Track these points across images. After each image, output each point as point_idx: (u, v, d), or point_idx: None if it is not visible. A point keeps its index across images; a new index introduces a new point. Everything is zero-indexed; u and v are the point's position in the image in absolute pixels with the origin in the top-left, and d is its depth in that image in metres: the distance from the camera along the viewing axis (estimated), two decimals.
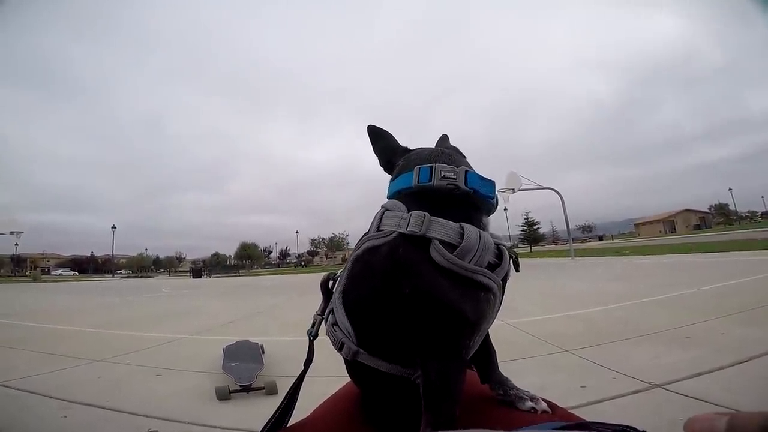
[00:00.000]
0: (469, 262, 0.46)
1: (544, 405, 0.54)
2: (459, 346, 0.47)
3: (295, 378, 0.65)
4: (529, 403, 0.54)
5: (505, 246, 0.51)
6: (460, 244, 0.46)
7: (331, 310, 0.56)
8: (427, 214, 0.47)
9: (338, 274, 0.59)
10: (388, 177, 0.61)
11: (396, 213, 0.50)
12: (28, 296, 13.11)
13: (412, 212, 0.48)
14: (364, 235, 0.54)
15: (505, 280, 0.51)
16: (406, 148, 0.63)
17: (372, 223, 0.54)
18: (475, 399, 0.59)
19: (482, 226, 0.51)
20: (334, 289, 0.59)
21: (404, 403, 0.53)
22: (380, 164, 0.65)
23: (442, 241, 0.46)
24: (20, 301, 10.72)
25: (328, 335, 0.56)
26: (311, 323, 0.63)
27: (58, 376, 2.76)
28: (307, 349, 0.64)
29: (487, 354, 0.60)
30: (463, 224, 0.47)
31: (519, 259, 0.56)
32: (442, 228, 0.46)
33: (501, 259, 0.50)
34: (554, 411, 0.55)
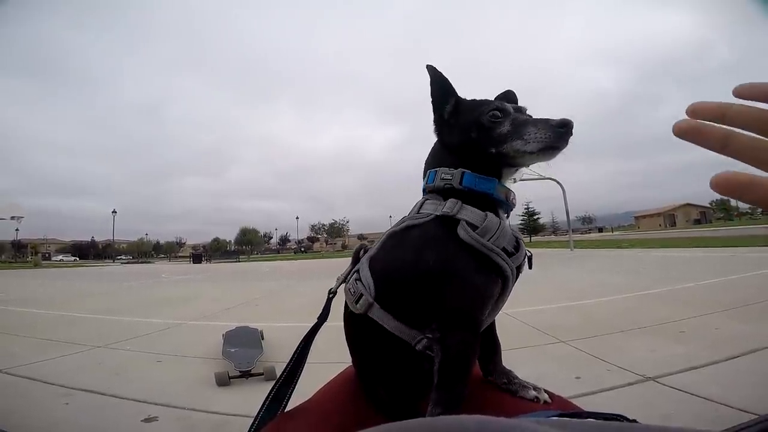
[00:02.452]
0: (488, 241, 0.53)
1: (545, 395, 0.59)
2: (473, 316, 0.52)
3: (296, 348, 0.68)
4: (533, 392, 0.59)
5: (522, 240, 0.59)
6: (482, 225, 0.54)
7: (357, 271, 0.61)
8: (460, 201, 0.55)
9: (370, 247, 0.65)
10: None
11: (434, 201, 0.58)
12: (29, 283, 13.19)
13: (449, 199, 0.56)
14: (404, 217, 0.61)
15: (518, 271, 0.57)
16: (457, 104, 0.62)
17: (413, 208, 0.61)
18: (478, 387, 0.63)
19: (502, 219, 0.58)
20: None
21: (400, 378, 0.59)
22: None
23: (468, 223, 0.54)
24: (22, 288, 10.79)
25: (348, 290, 0.61)
26: (321, 302, 0.68)
27: (60, 363, 2.79)
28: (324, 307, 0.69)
29: (492, 346, 0.65)
30: (488, 212, 0.55)
31: (532, 257, 0.60)
32: (470, 213, 0.54)
33: (518, 251, 0.57)
34: (553, 400, 0.59)
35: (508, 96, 0.66)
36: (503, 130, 0.56)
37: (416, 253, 0.55)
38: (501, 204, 0.59)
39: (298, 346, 0.67)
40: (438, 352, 0.52)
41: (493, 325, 0.66)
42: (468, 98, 0.62)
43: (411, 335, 0.55)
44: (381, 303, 0.56)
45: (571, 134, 0.52)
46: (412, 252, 0.55)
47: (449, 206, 0.55)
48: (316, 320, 0.68)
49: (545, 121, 0.53)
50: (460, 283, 0.52)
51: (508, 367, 0.65)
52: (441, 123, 0.63)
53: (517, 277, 0.57)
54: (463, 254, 0.52)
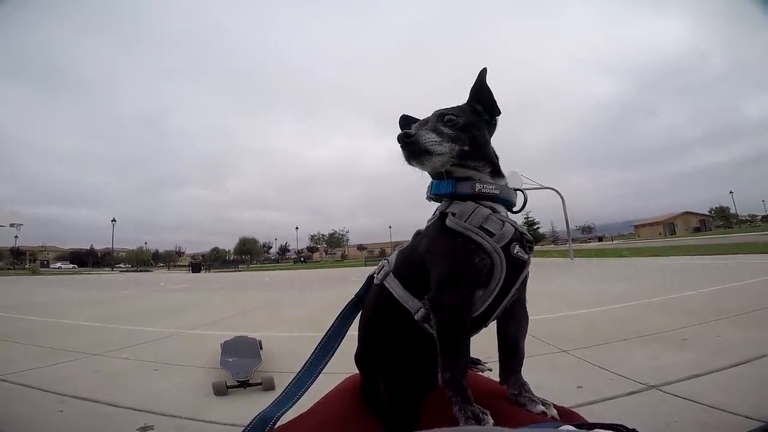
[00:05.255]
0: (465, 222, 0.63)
1: (554, 411, 0.59)
2: (456, 282, 0.60)
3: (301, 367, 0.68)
4: (540, 407, 0.60)
5: (516, 226, 0.65)
6: None
7: (388, 257, 0.77)
8: (452, 200, 0.68)
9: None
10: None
11: (442, 204, 0.71)
12: (27, 290, 13.11)
13: (444, 199, 0.70)
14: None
15: (520, 262, 0.63)
16: None
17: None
18: (489, 396, 0.64)
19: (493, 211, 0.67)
20: None
21: (401, 361, 0.67)
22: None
23: (453, 213, 0.65)
24: (19, 295, 10.73)
25: (378, 268, 0.76)
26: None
27: (55, 370, 2.76)
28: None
29: (514, 355, 0.68)
30: (469, 202, 0.66)
31: (534, 246, 0.68)
32: (456, 206, 0.66)
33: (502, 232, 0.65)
34: (561, 413, 0.58)
35: (478, 84, 0.73)
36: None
37: (421, 241, 0.70)
38: (484, 197, 0.68)
39: (332, 325, 0.76)
40: (433, 317, 0.60)
41: (519, 334, 0.69)
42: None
43: (413, 305, 0.65)
44: (395, 275, 0.71)
45: (403, 144, 0.64)
46: (419, 240, 0.71)
47: (443, 205, 0.70)
48: (354, 297, 0.80)
49: None
50: (443, 257, 0.63)
51: (524, 379, 0.67)
52: None
53: (519, 265, 0.63)
54: (446, 235, 0.64)
